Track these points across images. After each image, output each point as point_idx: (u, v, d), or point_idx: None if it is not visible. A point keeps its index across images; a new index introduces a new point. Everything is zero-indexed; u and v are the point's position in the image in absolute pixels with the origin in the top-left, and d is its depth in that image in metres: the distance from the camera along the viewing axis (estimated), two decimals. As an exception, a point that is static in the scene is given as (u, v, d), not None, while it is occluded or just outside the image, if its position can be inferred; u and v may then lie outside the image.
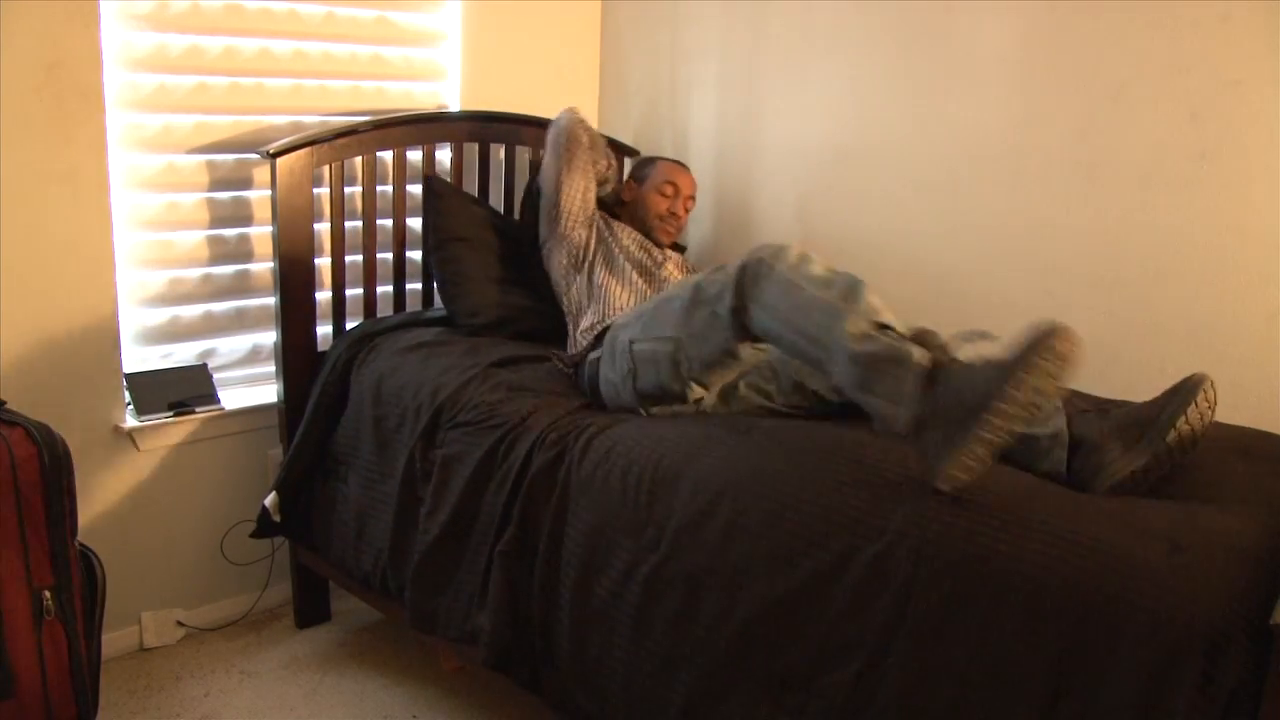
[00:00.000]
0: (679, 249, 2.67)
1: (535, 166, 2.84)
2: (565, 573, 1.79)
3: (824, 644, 1.48)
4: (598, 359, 2.06)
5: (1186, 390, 1.57)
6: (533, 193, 2.58)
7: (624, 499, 1.73)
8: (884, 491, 1.54)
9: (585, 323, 2.29)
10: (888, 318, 1.61)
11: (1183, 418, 1.54)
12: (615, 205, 2.61)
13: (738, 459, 1.67)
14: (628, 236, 2.46)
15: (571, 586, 1.78)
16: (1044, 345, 1.40)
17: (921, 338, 1.59)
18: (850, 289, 1.65)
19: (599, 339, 2.14)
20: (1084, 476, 1.57)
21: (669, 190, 2.54)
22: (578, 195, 2.41)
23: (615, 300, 2.30)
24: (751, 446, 1.71)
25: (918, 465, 1.51)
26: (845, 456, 1.65)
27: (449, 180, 2.69)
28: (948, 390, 1.47)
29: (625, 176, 2.67)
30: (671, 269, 2.45)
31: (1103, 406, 1.75)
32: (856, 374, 1.56)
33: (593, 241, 2.42)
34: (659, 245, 2.53)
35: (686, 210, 2.58)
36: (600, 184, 2.52)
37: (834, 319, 1.61)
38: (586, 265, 2.39)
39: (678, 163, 2.64)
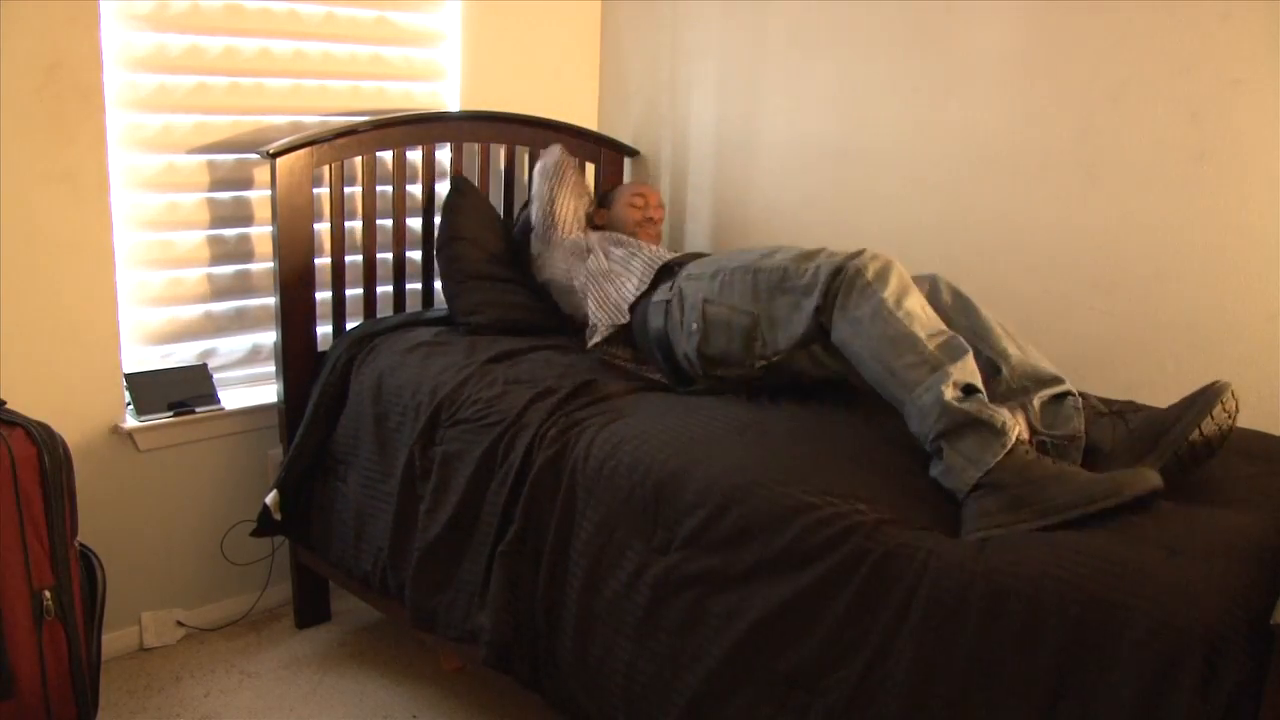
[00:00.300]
0: None
1: (534, 165, 2.85)
2: (572, 573, 1.79)
3: (828, 645, 1.48)
4: (661, 303, 2.10)
5: (1204, 401, 1.56)
6: (524, 225, 2.61)
7: (631, 500, 1.73)
8: (891, 496, 1.54)
9: (619, 288, 2.28)
10: (978, 382, 1.64)
11: (1196, 431, 1.53)
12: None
13: (746, 461, 1.67)
14: (615, 243, 2.46)
15: (579, 587, 1.77)
16: (1121, 497, 1.45)
17: (1026, 405, 1.65)
18: (953, 344, 1.68)
19: (654, 284, 2.19)
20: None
21: (638, 201, 2.60)
22: (570, 209, 2.48)
23: (634, 269, 2.31)
24: (759, 448, 1.71)
25: (961, 518, 1.52)
26: (853, 460, 1.66)
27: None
28: (1021, 476, 1.50)
29: (595, 205, 2.69)
30: (661, 251, 2.44)
31: (1121, 409, 1.74)
32: (943, 425, 1.58)
33: (590, 240, 2.43)
34: None
35: (659, 214, 2.63)
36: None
37: (928, 366, 1.64)
38: (590, 254, 2.40)
39: (637, 180, 2.75)
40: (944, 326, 1.74)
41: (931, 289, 1.90)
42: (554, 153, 2.57)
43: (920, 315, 1.72)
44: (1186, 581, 1.28)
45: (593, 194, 2.71)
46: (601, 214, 2.63)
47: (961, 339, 1.70)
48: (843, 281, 1.76)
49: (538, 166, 2.56)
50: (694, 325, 1.99)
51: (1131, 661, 1.24)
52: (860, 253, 1.78)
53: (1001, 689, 1.33)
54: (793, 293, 1.84)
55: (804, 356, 1.91)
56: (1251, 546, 1.38)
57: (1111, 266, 2.18)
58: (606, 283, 2.31)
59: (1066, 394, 1.72)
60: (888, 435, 1.77)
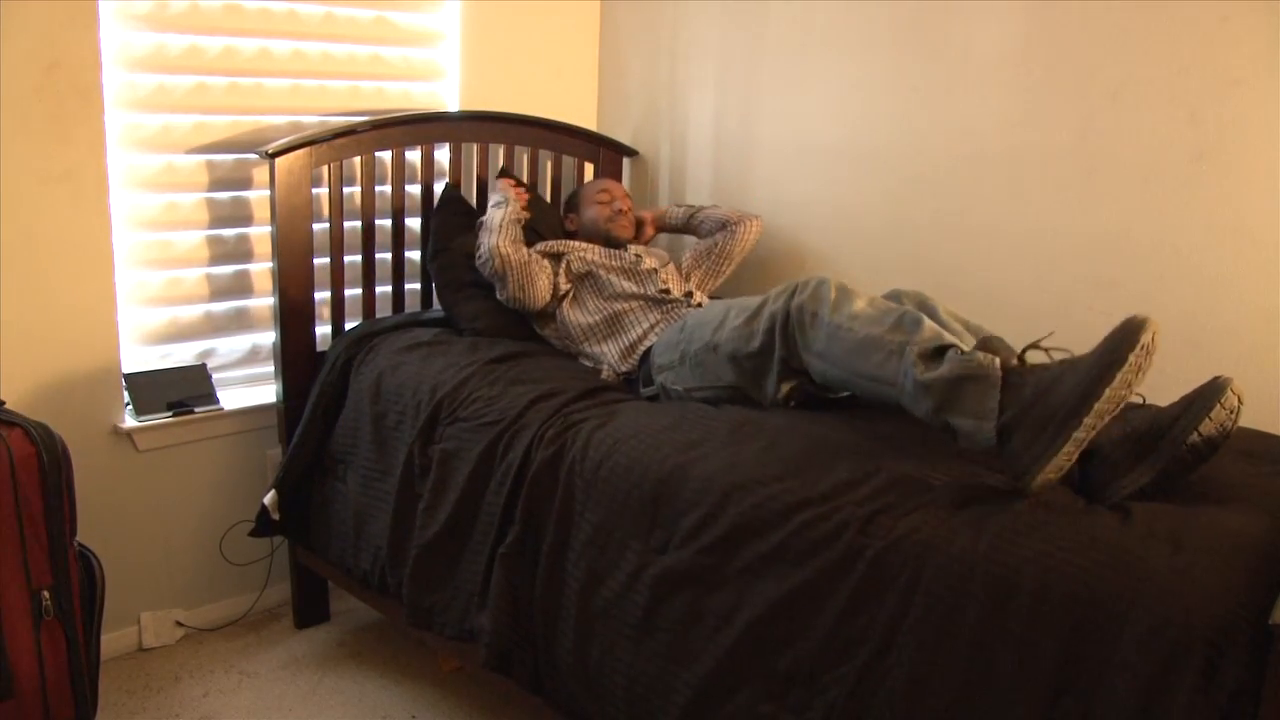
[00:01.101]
0: (640, 240, 2.66)
1: (534, 166, 2.85)
2: (571, 574, 1.79)
3: (828, 642, 1.48)
4: (654, 394, 2.10)
5: (1204, 399, 1.52)
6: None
7: (629, 501, 1.73)
8: (888, 490, 1.54)
9: (612, 350, 2.28)
10: (949, 338, 1.62)
11: (1195, 433, 1.49)
12: (566, 238, 2.61)
13: (741, 459, 1.68)
14: (593, 252, 2.45)
15: (578, 588, 1.77)
16: (1132, 341, 1.42)
17: (987, 344, 1.60)
18: (904, 320, 1.66)
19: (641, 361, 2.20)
20: (1093, 488, 1.55)
21: (604, 197, 2.59)
22: (543, 291, 2.36)
23: (632, 320, 2.29)
24: (754, 446, 1.72)
25: (1006, 471, 1.51)
26: (849, 456, 1.66)
27: (458, 189, 2.69)
28: (1031, 396, 1.48)
29: (563, 213, 2.70)
30: (648, 261, 2.44)
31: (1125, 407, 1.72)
32: (932, 401, 1.57)
33: (566, 282, 2.39)
34: (620, 245, 2.52)
35: (628, 204, 2.61)
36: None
37: (894, 354, 1.63)
38: (566, 304, 2.37)
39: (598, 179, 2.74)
40: (892, 306, 1.72)
41: (890, 296, 1.91)
42: (493, 247, 2.33)
43: (867, 312, 1.71)
44: (1188, 580, 1.28)
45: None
46: (572, 219, 2.64)
47: (911, 309, 1.69)
48: (793, 326, 1.78)
49: (488, 267, 2.35)
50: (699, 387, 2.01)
51: (1132, 659, 1.24)
52: (792, 292, 1.80)
53: (1002, 684, 1.33)
54: (755, 358, 1.87)
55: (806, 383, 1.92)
56: (1252, 546, 1.38)
57: (1110, 266, 2.18)
58: (603, 342, 2.30)
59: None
60: (882, 428, 1.77)
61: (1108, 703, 1.25)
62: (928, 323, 1.64)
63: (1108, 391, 1.42)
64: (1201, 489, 1.57)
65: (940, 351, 1.60)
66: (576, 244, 2.48)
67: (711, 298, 2.55)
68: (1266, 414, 1.98)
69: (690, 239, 2.74)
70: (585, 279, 2.38)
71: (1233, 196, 2.02)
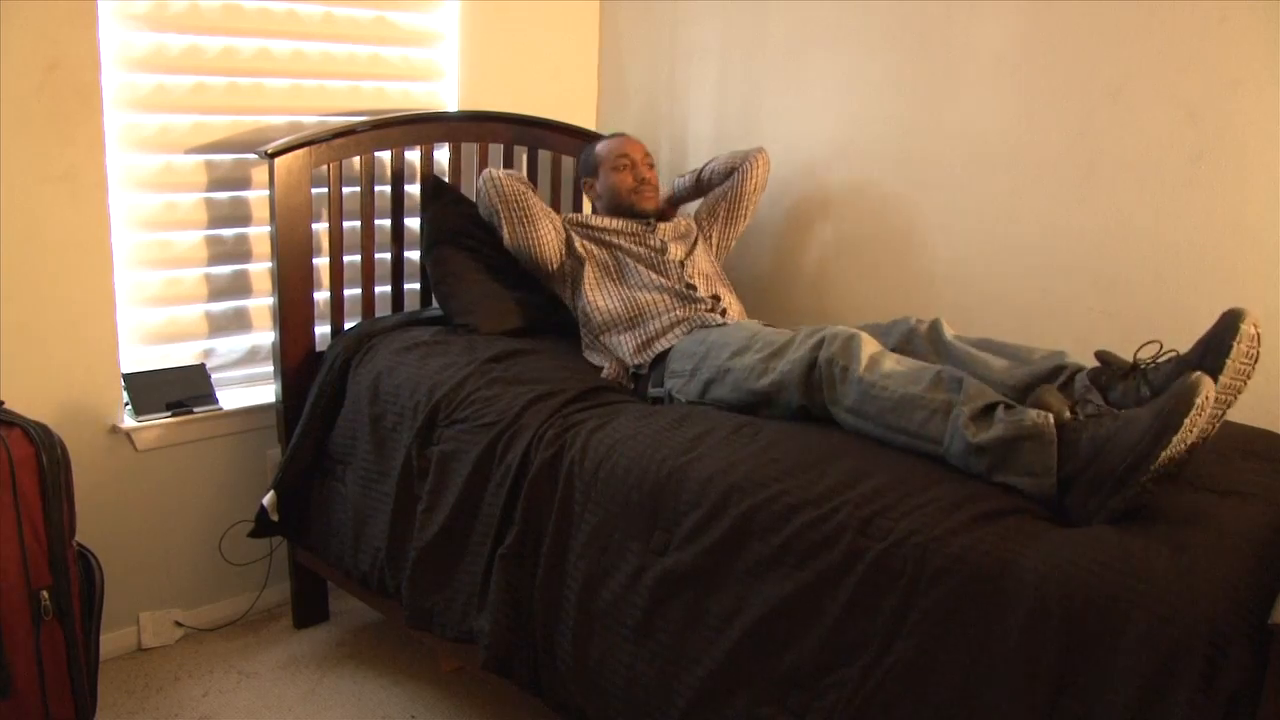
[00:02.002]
0: (666, 216, 2.60)
1: (534, 166, 2.85)
2: (571, 575, 1.79)
3: (828, 644, 1.48)
4: (661, 396, 2.10)
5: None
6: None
7: (629, 502, 1.72)
8: (887, 491, 1.54)
9: (629, 341, 2.24)
10: (994, 395, 1.61)
11: (1166, 453, 1.41)
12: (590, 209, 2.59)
13: (740, 460, 1.67)
14: (615, 233, 2.41)
15: (577, 590, 1.77)
16: (1188, 402, 1.40)
17: (1040, 400, 1.58)
18: (943, 379, 1.65)
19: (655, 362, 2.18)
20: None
21: (624, 163, 2.49)
22: (549, 240, 2.35)
23: (653, 313, 2.26)
24: (753, 447, 1.71)
25: (1075, 518, 1.48)
26: (848, 456, 1.66)
27: (446, 180, 2.69)
28: (1088, 451, 1.47)
29: (579, 179, 2.61)
30: (674, 250, 2.40)
31: (1140, 365, 1.67)
32: (986, 461, 1.56)
33: (585, 262, 2.37)
34: (646, 218, 2.46)
35: (651, 170, 2.52)
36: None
37: (937, 413, 1.62)
38: (589, 285, 2.34)
39: (615, 135, 2.60)
40: (926, 365, 1.73)
41: (906, 339, 1.91)
42: (493, 180, 2.35)
43: (900, 371, 1.71)
44: (1188, 579, 1.28)
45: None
46: (590, 185, 2.54)
47: (950, 368, 1.69)
48: (819, 378, 1.79)
49: (484, 203, 2.39)
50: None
51: (1133, 658, 1.24)
52: (819, 342, 1.80)
53: (1002, 685, 1.33)
54: (760, 394, 1.88)
55: None
56: (1252, 546, 1.38)
57: (1110, 266, 2.18)
58: (617, 333, 2.27)
59: (1072, 375, 1.71)
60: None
61: (1108, 703, 1.25)
62: (969, 381, 1.63)
63: (1164, 454, 1.40)
64: (1202, 488, 1.57)
65: (989, 410, 1.59)
66: (599, 221, 2.44)
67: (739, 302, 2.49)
68: (1266, 413, 1.98)
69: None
70: (609, 262, 2.34)
71: (1232, 196, 2.02)
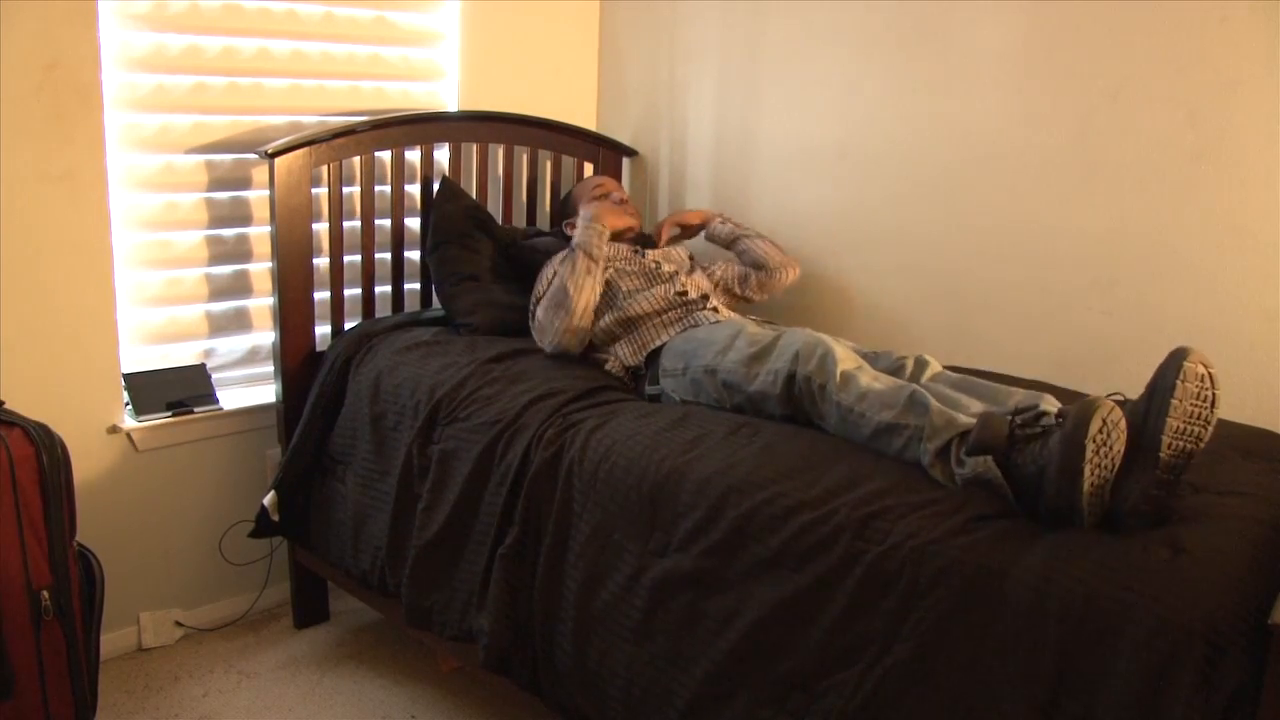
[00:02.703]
0: (652, 243, 2.62)
1: (533, 166, 2.86)
2: (570, 575, 1.79)
3: (827, 646, 1.48)
4: (654, 394, 2.11)
5: (1157, 407, 1.41)
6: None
7: (628, 503, 1.73)
8: (886, 493, 1.54)
9: (625, 347, 2.26)
10: (953, 429, 1.59)
11: (1164, 449, 1.41)
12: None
13: (739, 460, 1.67)
14: (613, 255, 2.41)
15: (576, 590, 1.77)
16: (1081, 435, 1.40)
17: (981, 432, 1.55)
18: (914, 402, 1.65)
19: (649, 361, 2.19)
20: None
21: (600, 192, 2.61)
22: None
23: (646, 316, 2.27)
24: (752, 448, 1.71)
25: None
26: (847, 457, 1.66)
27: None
28: (1036, 471, 1.48)
29: (562, 225, 2.63)
30: (666, 266, 2.41)
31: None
32: (967, 473, 1.56)
33: None
34: (633, 243, 2.49)
35: (626, 196, 2.64)
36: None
37: (914, 439, 1.63)
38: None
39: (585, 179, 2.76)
40: (899, 385, 1.72)
41: (891, 374, 1.88)
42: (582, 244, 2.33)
43: (876, 392, 1.71)
44: (1187, 580, 1.28)
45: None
46: (571, 224, 2.55)
47: (921, 391, 1.67)
48: (799, 393, 1.81)
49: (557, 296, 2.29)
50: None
51: (1132, 659, 1.24)
52: (794, 355, 1.81)
53: (1002, 687, 1.33)
54: (752, 398, 1.89)
55: None
56: (1252, 545, 1.38)
57: (1109, 266, 2.18)
58: (609, 342, 2.29)
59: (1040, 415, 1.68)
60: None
61: (1108, 703, 1.25)
62: (934, 411, 1.62)
63: (1086, 482, 1.40)
64: (1201, 488, 1.57)
65: (947, 449, 1.58)
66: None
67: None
68: (1266, 413, 1.98)
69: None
70: (606, 288, 2.34)
71: (1231, 196, 2.02)
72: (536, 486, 1.85)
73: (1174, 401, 1.41)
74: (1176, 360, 1.42)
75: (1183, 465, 1.44)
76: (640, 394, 2.15)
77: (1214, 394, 1.43)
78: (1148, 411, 1.43)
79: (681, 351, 2.09)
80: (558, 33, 2.97)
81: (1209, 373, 1.43)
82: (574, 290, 2.24)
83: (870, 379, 1.75)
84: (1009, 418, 1.55)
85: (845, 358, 1.80)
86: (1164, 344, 2.11)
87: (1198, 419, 1.43)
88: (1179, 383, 1.40)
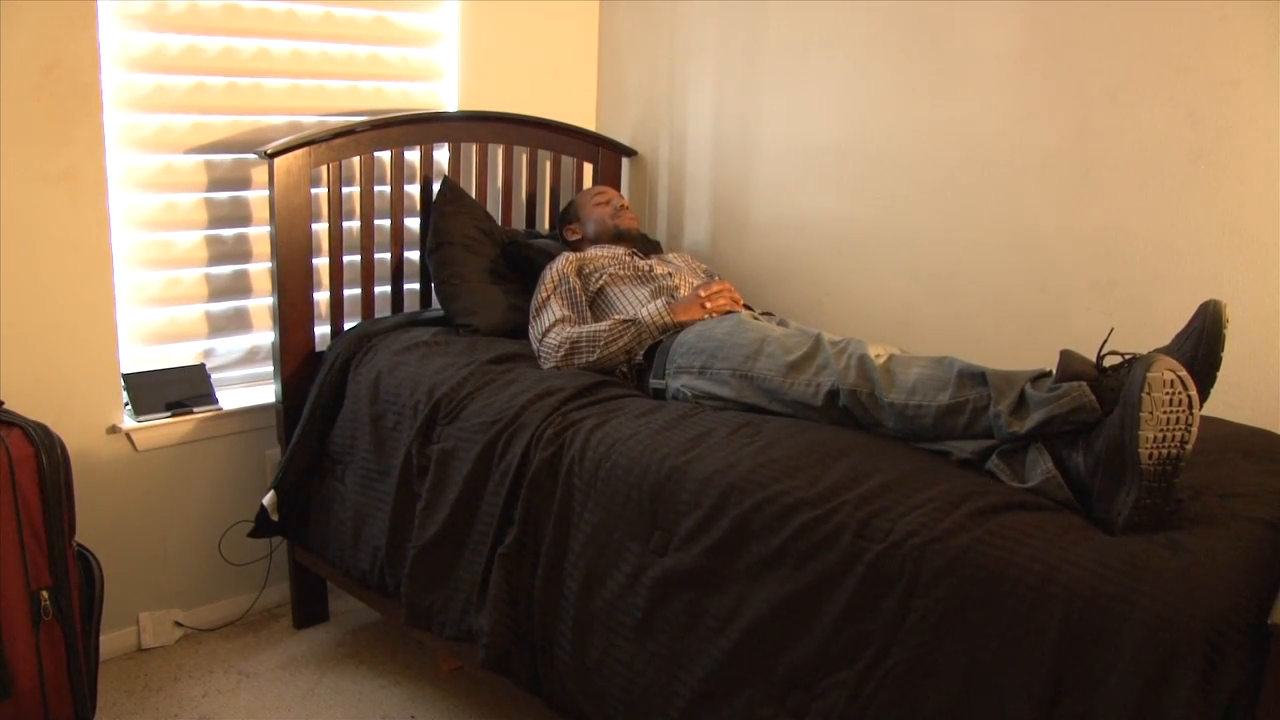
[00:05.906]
0: (651, 243, 2.65)
1: (533, 167, 2.86)
2: (570, 575, 1.79)
3: (827, 645, 1.48)
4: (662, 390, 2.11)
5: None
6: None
7: (628, 502, 1.73)
8: (886, 492, 1.54)
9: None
10: (1019, 379, 1.62)
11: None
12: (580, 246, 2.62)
13: (739, 459, 1.67)
14: (606, 261, 2.44)
15: (576, 589, 1.77)
16: (1138, 387, 1.41)
17: (1069, 368, 1.58)
18: (966, 377, 1.67)
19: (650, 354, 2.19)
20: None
21: (602, 199, 2.64)
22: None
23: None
24: (752, 446, 1.71)
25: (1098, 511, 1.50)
26: (847, 456, 1.66)
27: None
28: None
29: (561, 228, 2.69)
30: (660, 268, 2.44)
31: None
32: (1036, 422, 1.56)
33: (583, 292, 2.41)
34: (631, 243, 2.55)
35: (627, 203, 2.68)
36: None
37: (980, 411, 1.64)
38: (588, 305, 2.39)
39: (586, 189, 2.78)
40: (939, 363, 1.73)
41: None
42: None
43: (925, 380, 1.72)
44: (1188, 580, 1.28)
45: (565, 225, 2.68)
46: (573, 229, 2.63)
47: (962, 363, 1.70)
48: (847, 407, 1.80)
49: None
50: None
51: (1132, 659, 1.24)
52: (831, 371, 1.81)
53: (1002, 686, 1.33)
54: (794, 404, 1.88)
55: None
56: (1253, 545, 1.38)
57: (1109, 266, 2.18)
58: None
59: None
60: (882, 428, 1.77)
61: (1108, 703, 1.25)
62: (989, 371, 1.64)
63: (1143, 450, 1.41)
64: (1201, 488, 1.57)
65: (1022, 399, 1.59)
66: (591, 255, 2.47)
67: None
68: (1266, 413, 1.98)
69: (691, 238, 2.73)
70: (598, 296, 2.39)
71: (1231, 196, 2.02)
72: (536, 486, 1.85)
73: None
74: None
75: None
76: (643, 388, 2.15)
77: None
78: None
79: (699, 349, 2.06)
80: (557, 33, 2.97)
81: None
82: (604, 352, 2.19)
83: (909, 366, 1.75)
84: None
85: (878, 352, 1.80)
86: (1163, 343, 2.12)
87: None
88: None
